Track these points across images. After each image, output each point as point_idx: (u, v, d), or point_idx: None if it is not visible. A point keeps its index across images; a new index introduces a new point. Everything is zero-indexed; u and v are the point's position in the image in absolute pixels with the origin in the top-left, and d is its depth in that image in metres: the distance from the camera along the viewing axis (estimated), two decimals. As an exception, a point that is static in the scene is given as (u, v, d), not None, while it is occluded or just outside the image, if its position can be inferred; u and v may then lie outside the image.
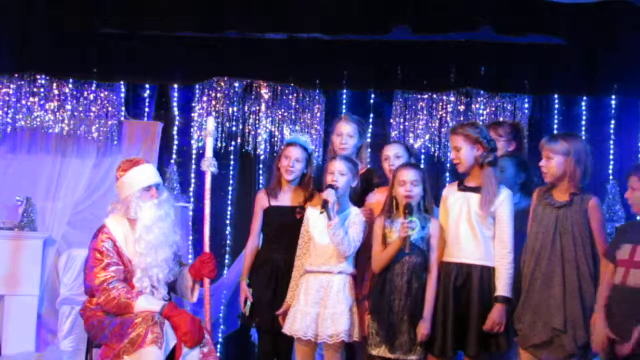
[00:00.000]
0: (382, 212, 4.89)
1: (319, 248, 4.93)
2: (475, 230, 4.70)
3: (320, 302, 4.85)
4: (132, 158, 5.18)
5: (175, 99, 7.46)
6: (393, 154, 5.19)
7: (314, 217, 5.00)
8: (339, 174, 4.92)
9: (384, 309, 4.72)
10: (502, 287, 4.62)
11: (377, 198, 5.19)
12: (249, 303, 5.23)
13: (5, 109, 7.01)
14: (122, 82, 7.22)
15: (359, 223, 4.91)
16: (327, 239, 4.85)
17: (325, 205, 4.77)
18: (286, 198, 5.34)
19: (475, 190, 4.74)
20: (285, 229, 5.23)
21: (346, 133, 5.36)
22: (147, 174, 4.98)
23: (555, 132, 6.84)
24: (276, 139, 7.13)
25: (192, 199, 7.40)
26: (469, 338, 4.63)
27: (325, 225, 4.84)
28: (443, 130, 7.02)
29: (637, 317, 4.13)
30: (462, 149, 4.75)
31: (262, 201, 5.35)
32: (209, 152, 5.21)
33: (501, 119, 6.78)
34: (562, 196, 4.60)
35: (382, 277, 4.78)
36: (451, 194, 4.86)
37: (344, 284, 4.87)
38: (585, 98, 7.04)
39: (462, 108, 7.01)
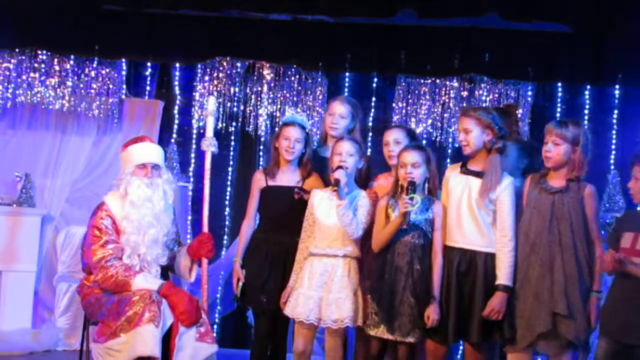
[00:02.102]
0: (387, 193, 4.85)
1: (323, 230, 4.88)
2: (475, 215, 4.65)
3: (324, 285, 4.79)
4: (138, 135, 5.15)
5: (177, 78, 7.44)
6: (392, 139, 5.12)
7: (317, 199, 4.95)
8: (347, 154, 4.87)
9: (384, 290, 4.67)
10: (503, 275, 4.56)
11: (379, 183, 5.16)
12: (240, 284, 5.19)
13: (5, 84, 7.00)
14: (123, 60, 7.19)
15: (365, 205, 4.87)
16: (332, 220, 4.81)
17: (337, 184, 4.72)
18: (284, 178, 5.28)
19: (478, 174, 4.68)
20: (282, 209, 5.19)
21: (338, 113, 5.33)
22: (144, 151, 4.95)
23: (562, 119, 6.80)
24: (277, 120, 7.10)
25: (191, 179, 7.38)
26: (471, 326, 4.60)
27: (330, 207, 4.81)
28: (445, 115, 7.00)
29: (635, 301, 4.17)
30: (472, 132, 4.68)
31: (260, 181, 5.30)
32: (209, 132, 5.18)
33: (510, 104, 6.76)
34: (558, 182, 4.57)
35: (382, 257, 4.72)
36: (453, 176, 4.80)
37: (348, 267, 4.82)
38: (588, 87, 7.00)
39: (465, 94, 6.98)
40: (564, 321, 4.44)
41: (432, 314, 4.60)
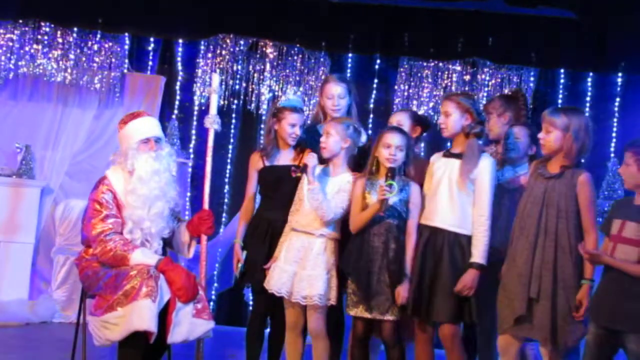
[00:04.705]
0: (363, 172, 4.88)
1: (305, 209, 4.92)
2: (453, 195, 4.71)
3: (300, 261, 4.84)
4: (134, 111, 5.15)
5: (179, 54, 7.43)
6: (395, 121, 5.13)
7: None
8: (325, 134, 4.89)
9: (361, 269, 4.72)
10: (478, 253, 4.62)
11: None
12: (240, 265, 5.20)
13: (8, 55, 6.99)
14: (126, 34, 7.18)
15: (347, 190, 4.88)
16: None
17: (304, 169, 4.77)
18: (280, 158, 5.27)
19: (457, 156, 4.76)
20: (280, 188, 5.17)
21: (337, 94, 5.28)
22: (146, 126, 4.94)
23: (559, 106, 6.81)
24: (279, 99, 7.08)
25: (191, 155, 7.39)
26: (436, 306, 4.65)
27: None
28: (447, 99, 7.00)
29: (621, 289, 4.19)
30: (451, 115, 4.77)
31: (257, 163, 5.27)
32: (213, 109, 5.17)
33: (506, 90, 6.76)
34: (555, 168, 4.58)
35: (359, 237, 4.77)
36: (437, 159, 4.89)
37: (324, 246, 4.85)
38: (591, 74, 7.00)
39: (467, 77, 6.98)
40: (534, 305, 4.47)
41: (402, 292, 4.66)
